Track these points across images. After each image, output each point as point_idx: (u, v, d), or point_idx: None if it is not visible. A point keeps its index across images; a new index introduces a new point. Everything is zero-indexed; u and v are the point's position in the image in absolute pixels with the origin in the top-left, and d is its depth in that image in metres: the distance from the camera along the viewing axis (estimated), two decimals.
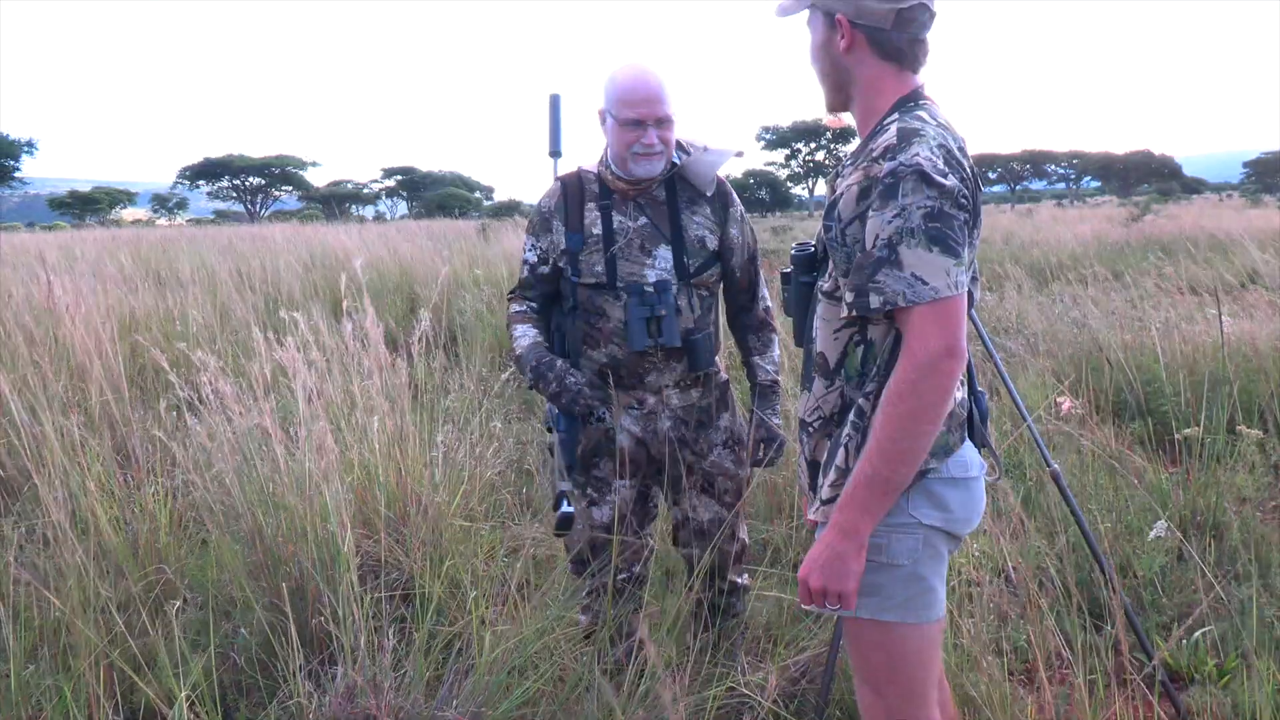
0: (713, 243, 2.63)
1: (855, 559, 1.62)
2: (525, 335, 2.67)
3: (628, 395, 2.66)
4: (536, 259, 2.71)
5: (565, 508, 2.47)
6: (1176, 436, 3.91)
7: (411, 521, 3.15)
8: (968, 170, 1.63)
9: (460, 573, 2.91)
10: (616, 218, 2.61)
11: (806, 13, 1.80)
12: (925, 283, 1.54)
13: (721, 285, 2.74)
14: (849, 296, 1.64)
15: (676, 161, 2.62)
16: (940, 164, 1.57)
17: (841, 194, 1.68)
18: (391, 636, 2.45)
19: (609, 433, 2.66)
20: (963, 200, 1.59)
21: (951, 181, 1.57)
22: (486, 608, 2.60)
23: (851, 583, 1.63)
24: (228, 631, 2.81)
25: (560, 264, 2.65)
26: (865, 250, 1.60)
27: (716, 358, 2.71)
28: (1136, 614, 2.94)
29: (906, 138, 1.60)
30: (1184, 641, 2.82)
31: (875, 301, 1.58)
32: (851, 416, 1.68)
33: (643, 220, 2.61)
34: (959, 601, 2.80)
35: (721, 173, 2.69)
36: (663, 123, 2.52)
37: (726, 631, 2.84)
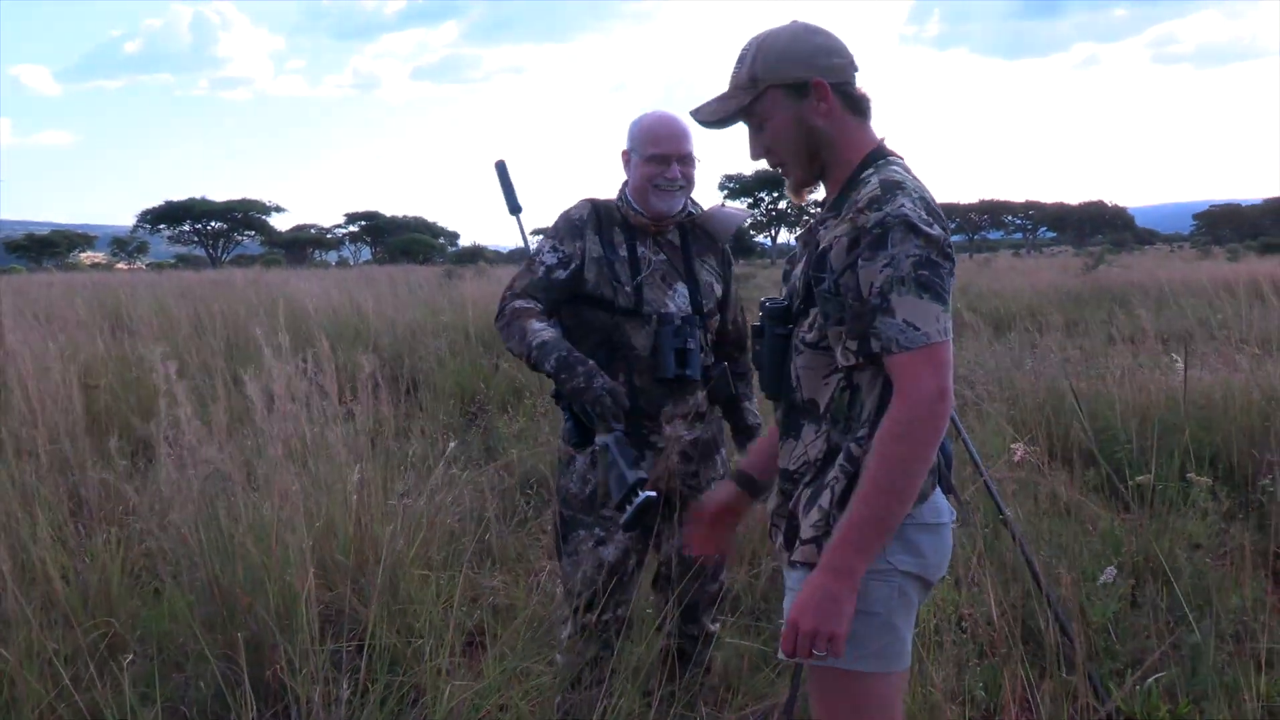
0: (718, 290, 2.74)
1: (849, 600, 1.62)
2: (547, 328, 2.50)
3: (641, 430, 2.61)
4: (556, 262, 2.61)
5: (645, 495, 2.27)
6: (1129, 484, 3.96)
7: (370, 570, 3.11)
8: (944, 222, 1.69)
9: (419, 622, 2.87)
10: (639, 248, 2.66)
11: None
12: (917, 329, 1.60)
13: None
14: (852, 345, 1.69)
15: (693, 212, 2.71)
16: (924, 214, 1.64)
17: (830, 245, 1.71)
18: (347, 688, 2.41)
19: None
20: (947, 249, 1.65)
21: (936, 231, 1.64)
22: (445, 657, 2.57)
23: (844, 625, 1.62)
24: (179, 684, 2.75)
25: (588, 274, 2.60)
26: (861, 299, 1.65)
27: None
28: (1091, 660, 2.97)
29: (890, 189, 1.66)
30: (1138, 687, 2.84)
31: (875, 346, 1.64)
32: (840, 460, 1.71)
33: (661, 256, 2.68)
34: (927, 649, 2.81)
35: None
36: (685, 160, 2.63)
37: (688, 682, 2.82)
